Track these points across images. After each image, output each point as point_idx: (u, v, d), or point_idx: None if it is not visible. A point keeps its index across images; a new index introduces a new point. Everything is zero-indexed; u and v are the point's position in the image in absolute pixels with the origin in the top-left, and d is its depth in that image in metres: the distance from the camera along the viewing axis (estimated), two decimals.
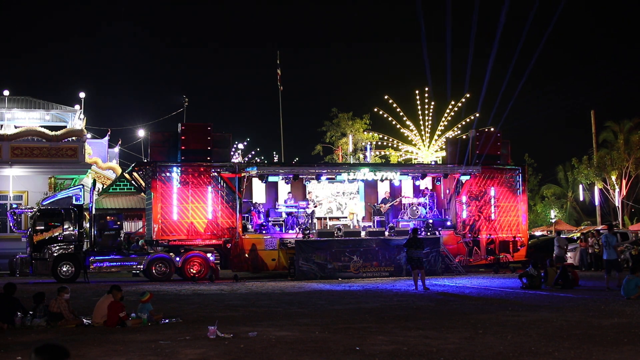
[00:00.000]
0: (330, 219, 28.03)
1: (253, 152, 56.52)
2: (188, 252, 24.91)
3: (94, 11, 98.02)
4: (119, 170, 39.82)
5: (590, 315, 12.70)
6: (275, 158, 51.74)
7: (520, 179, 28.73)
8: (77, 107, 38.93)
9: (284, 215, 26.83)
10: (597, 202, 46.47)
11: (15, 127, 36.55)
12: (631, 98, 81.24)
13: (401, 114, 46.27)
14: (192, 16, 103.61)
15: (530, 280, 19.12)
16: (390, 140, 48.00)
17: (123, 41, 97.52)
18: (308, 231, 25.11)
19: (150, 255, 24.80)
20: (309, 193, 28.09)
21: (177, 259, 24.62)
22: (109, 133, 42.39)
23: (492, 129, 30.99)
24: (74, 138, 35.19)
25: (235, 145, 50.37)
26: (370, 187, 28.80)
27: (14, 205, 32.02)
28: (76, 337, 10.92)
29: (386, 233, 25.81)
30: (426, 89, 45.81)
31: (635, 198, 46.81)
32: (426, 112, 46.05)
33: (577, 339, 10.02)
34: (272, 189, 27.82)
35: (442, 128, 46.58)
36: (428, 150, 46.45)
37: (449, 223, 27.65)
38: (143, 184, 27.29)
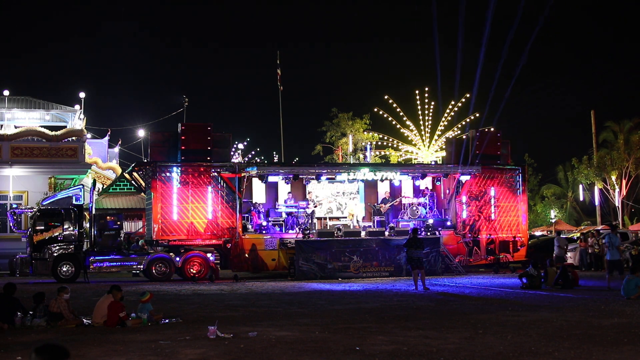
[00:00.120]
0: (330, 219, 28.03)
1: (253, 152, 56.62)
2: (188, 252, 24.90)
3: (94, 11, 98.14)
4: (119, 170, 39.82)
5: (590, 315, 12.70)
6: (275, 158, 51.76)
7: (520, 179, 28.72)
8: (77, 107, 38.94)
9: (284, 215, 26.83)
10: (597, 202, 46.43)
11: (15, 127, 36.57)
12: (631, 98, 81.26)
13: (401, 114, 46.33)
14: (192, 16, 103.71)
15: (530, 280, 19.11)
16: (390, 140, 48.04)
17: (123, 41, 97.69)
18: (308, 231, 25.11)
19: (150, 255, 24.79)
20: (309, 193, 28.09)
21: (177, 259, 24.61)
22: (109, 133, 42.42)
23: (492, 129, 30.99)
24: (74, 138, 35.21)
25: (235, 145, 50.44)
26: (370, 187, 28.79)
27: (14, 205, 32.02)
28: (76, 337, 10.91)
29: (386, 233, 25.82)
30: (426, 89, 45.90)
31: (635, 198, 46.78)
32: (426, 112, 46.10)
33: (577, 339, 10.01)
34: (272, 189, 27.81)
35: (442, 128, 46.64)
36: (428, 150, 46.47)
37: (449, 223, 27.65)
38: (143, 184, 27.29)
